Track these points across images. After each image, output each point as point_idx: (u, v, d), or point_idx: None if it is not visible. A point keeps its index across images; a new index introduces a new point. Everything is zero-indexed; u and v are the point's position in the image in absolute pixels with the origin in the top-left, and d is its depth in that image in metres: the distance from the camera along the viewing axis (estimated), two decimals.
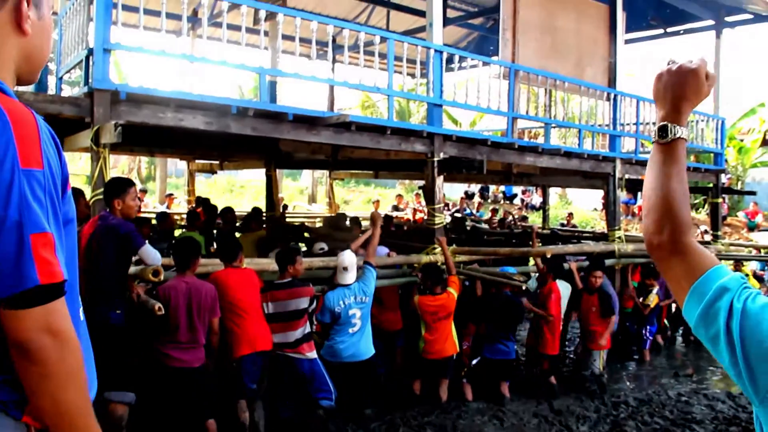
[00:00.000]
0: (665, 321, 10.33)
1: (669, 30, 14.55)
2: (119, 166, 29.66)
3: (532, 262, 9.35)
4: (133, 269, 5.29)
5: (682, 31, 14.54)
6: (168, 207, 16.91)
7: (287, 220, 13.66)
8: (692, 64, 1.43)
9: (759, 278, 13.63)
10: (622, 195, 15.27)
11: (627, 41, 13.46)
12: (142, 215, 10.63)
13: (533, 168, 10.72)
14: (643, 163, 11.56)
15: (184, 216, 12.71)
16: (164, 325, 5.27)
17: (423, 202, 15.95)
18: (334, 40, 7.93)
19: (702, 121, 12.88)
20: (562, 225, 17.95)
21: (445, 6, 11.79)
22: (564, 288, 8.52)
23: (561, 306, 8.23)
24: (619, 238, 10.60)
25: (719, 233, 13.39)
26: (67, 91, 8.07)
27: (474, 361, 7.74)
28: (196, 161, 14.55)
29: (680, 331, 11.09)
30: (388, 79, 7.87)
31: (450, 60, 8.71)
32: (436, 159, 8.18)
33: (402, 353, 7.94)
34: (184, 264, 5.55)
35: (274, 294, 6.08)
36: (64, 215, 1.40)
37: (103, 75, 5.68)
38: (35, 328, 1.27)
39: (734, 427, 7.15)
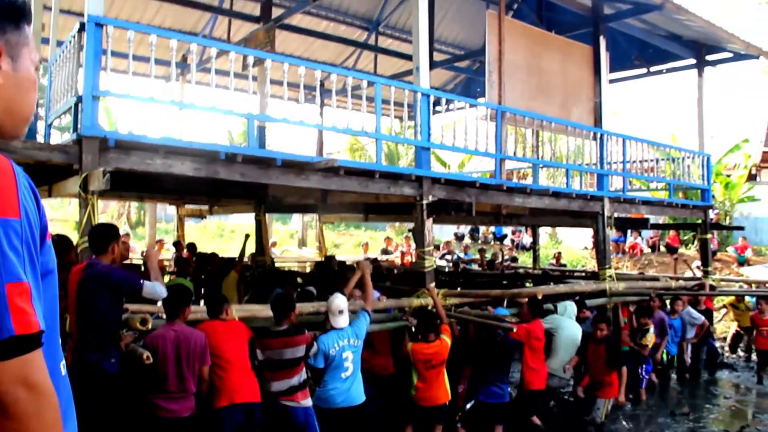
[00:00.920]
0: (662, 358, 10.24)
1: (652, 69, 14.79)
2: (108, 211, 29.56)
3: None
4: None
5: (665, 70, 14.78)
6: (159, 250, 16.80)
7: (277, 265, 13.59)
8: None
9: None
10: (612, 233, 15.33)
11: (611, 81, 13.68)
12: (131, 262, 10.57)
13: (522, 209, 10.75)
14: (631, 201, 11.63)
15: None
16: (153, 374, 5.18)
17: (413, 245, 15.95)
18: (322, 85, 8.00)
19: (688, 157, 13.01)
20: (551, 264, 17.95)
21: (432, 49, 11.95)
22: (575, 329, 8.50)
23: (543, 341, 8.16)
24: (610, 276, 10.60)
25: (710, 269, 13.42)
26: (56, 137, 8.08)
27: (468, 405, 7.64)
28: (186, 206, 14.53)
29: (674, 369, 11.01)
30: (376, 123, 7.91)
31: (437, 102, 8.80)
32: (425, 202, 8.19)
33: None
34: (174, 312, 5.47)
35: (269, 342, 5.94)
36: (44, 266, 1.36)
37: (92, 122, 5.69)
38: (10, 380, 1.21)
39: None
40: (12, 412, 1.22)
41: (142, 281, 4.97)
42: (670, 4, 10.02)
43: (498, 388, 7.51)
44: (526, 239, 22.61)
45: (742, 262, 18.42)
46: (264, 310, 6.51)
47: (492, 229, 24.98)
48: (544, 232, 23.63)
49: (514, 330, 7.52)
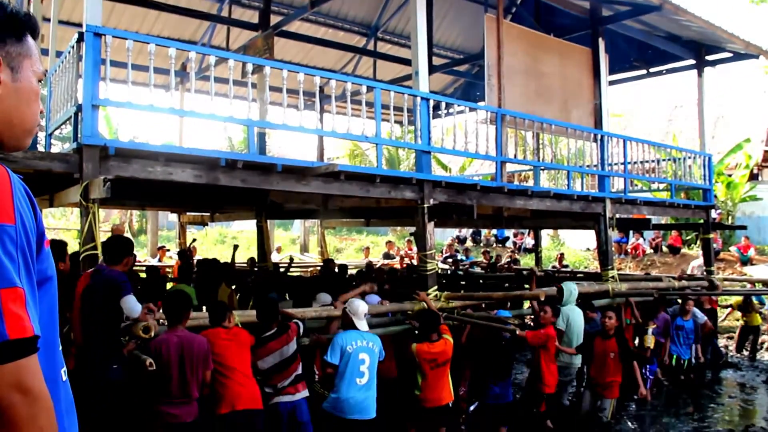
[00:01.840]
0: (666, 359, 10.17)
1: (652, 70, 14.79)
2: (110, 219, 29.61)
3: (527, 304, 9.27)
4: (123, 325, 5.24)
5: (664, 71, 14.79)
6: (160, 260, 16.88)
7: (281, 270, 13.59)
8: None
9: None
10: (614, 234, 15.32)
11: (611, 82, 13.68)
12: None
13: (524, 211, 10.75)
14: (633, 202, 11.63)
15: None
16: (156, 380, 5.19)
17: (414, 249, 15.95)
18: (321, 91, 8.01)
19: (689, 158, 13.00)
20: (554, 267, 17.93)
21: (431, 54, 11.97)
22: (580, 314, 8.56)
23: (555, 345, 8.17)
24: (613, 277, 10.59)
25: (713, 268, 13.40)
26: (57, 147, 8.10)
27: (472, 407, 7.62)
28: (187, 213, 14.56)
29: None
30: (376, 128, 7.92)
31: (437, 107, 8.81)
32: (426, 205, 8.19)
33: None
34: (176, 318, 5.49)
35: (267, 348, 6.01)
36: (41, 273, 1.37)
37: (92, 131, 5.71)
38: (4, 385, 1.21)
39: None
40: (6, 416, 1.22)
41: (130, 293, 4.97)
42: (669, 4, 10.02)
43: (502, 390, 7.50)
44: (528, 242, 22.59)
45: (746, 262, 18.40)
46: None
47: (494, 231, 24.96)
48: (546, 234, 23.61)
49: (518, 332, 7.53)
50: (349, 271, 13.18)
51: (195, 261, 12.50)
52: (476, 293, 9.42)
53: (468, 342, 7.88)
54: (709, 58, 13.65)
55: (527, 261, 20.60)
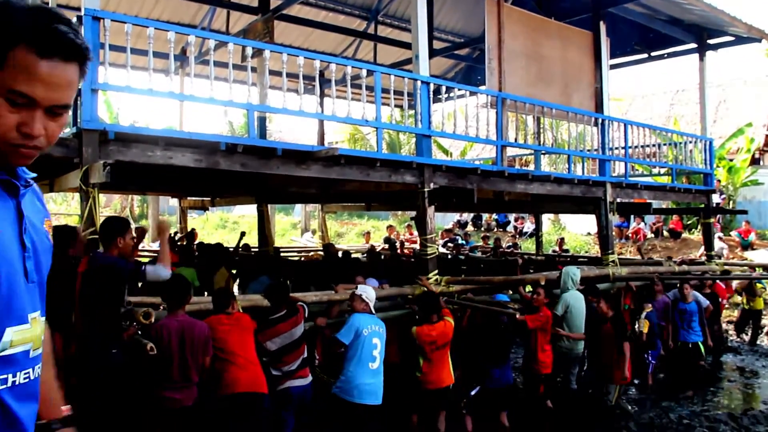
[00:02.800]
0: (671, 343, 10.15)
1: (653, 54, 14.72)
2: (112, 205, 29.63)
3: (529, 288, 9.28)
4: (124, 310, 5.25)
5: (666, 55, 14.70)
6: None
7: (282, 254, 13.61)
8: None
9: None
10: (615, 218, 15.33)
11: (612, 66, 13.62)
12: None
13: (524, 195, 10.74)
14: (633, 186, 11.62)
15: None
16: (157, 364, 5.21)
17: (415, 233, 15.96)
18: (321, 75, 7.98)
19: (690, 142, 12.97)
20: (554, 251, 17.92)
21: (431, 38, 11.92)
22: (581, 298, 8.55)
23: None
24: (613, 261, 10.60)
25: (713, 253, 13.40)
26: None
27: (473, 392, 7.65)
28: (188, 198, 14.56)
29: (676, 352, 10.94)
30: (376, 112, 7.91)
31: (437, 91, 8.78)
32: (426, 189, 8.19)
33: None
34: (176, 302, 5.50)
35: (276, 330, 6.06)
36: None
37: (92, 115, 5.70)
38: None
39: None
40: None
41: (144, 267, 5.00)
42: None
43: (502, 373, 7.53)
44: (529, 226, 22.59)
45: (746, 246, 18.39)
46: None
47: (495, 216, 24.96)
48: (546, 218, 23.59)
49: (518, 316, 7.56)
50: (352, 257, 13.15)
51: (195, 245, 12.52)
52: (477, 277, 9.43)
53: (468, 326, 7.91)
54: (711, 42, 13.57)
55: (528, 245, 20.62)
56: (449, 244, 19.36)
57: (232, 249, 11.02)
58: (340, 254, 12.37)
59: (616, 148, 11.64)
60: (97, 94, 5.83)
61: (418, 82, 8.17)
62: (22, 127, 1.32)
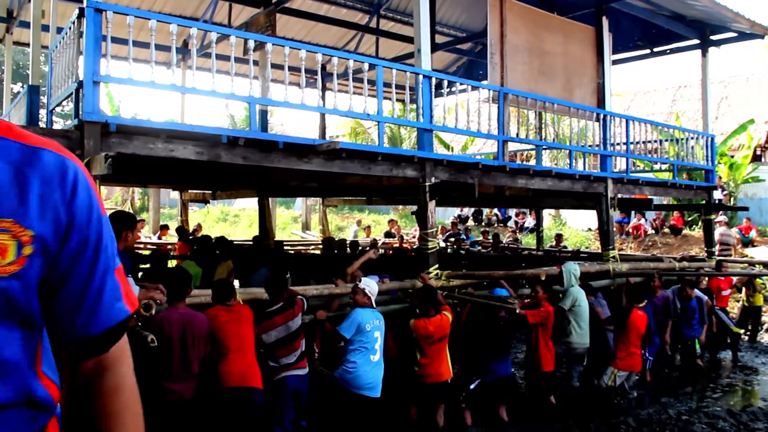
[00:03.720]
0: (667, 338, 10.15)
1: (656, 50, 14.68)
2: (113, 197, 29.66)
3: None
4: None
5: (668, 51, 14.67)
6: (160, 238, 16.94)
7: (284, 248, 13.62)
8: None
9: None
10: (616, 214, 15.32)
11: (614, 62, 13.60)
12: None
13: (525, 190, 10.74)
14: (634, 182, 11.61)
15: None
16: (157, 356, 5.22)
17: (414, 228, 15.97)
18: (323, 68, 7.97)
19: (692, 138, 12.96)
20: (551, 246, 17.91)
21: (433, 32, 11.90)
22: (584, 295, 8.56)
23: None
24: (614, 257, 10.60)
25: (713, 250, 13.40)
26: (59, 124, 8.08)
27: (473, 385, 7.67)
28: (189, 191, 14.57)
29: (678, 349, 10.94)
30: (378, 106, 7.91)
31: (439, 85, 8.77)
32: (427, 184, 8.19)
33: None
34: (177, 295, 5.52)
35: (272, 322, 6.09)
36: None
37: (93, 107, 5.70)
38: (123, 356, 1.37)
39: None
40: (125, 385, 1.38)
41: (128, 276, 4.97)
42: None
43: (501, 367, 7.55)
44: (530, 221, 22.59)
45: (747, 243, 18.39)
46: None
47: (495, 211, 24.97)
48: (547, 214, 23.59)
49: (519, 311, 7.57)
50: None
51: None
52: (477, 272, 9.44)
53: (468, 320, 7.91)
54: (714, 38, 13.54)
55: (528, 240, 20.62)
56: (450, 239, 19.39)
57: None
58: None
59: (618, 144, 11.63)
60: (99, 87, 5.82)
61: (420, 77, 8.17)
62: None
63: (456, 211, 25.35)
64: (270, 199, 14.63)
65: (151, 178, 12.44)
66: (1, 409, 1.18)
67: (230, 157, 6.64)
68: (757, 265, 13.56)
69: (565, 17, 11.41)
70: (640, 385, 9.39)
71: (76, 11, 5.89)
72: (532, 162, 11.44)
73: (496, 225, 24.35)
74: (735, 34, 13.32)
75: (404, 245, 17.84)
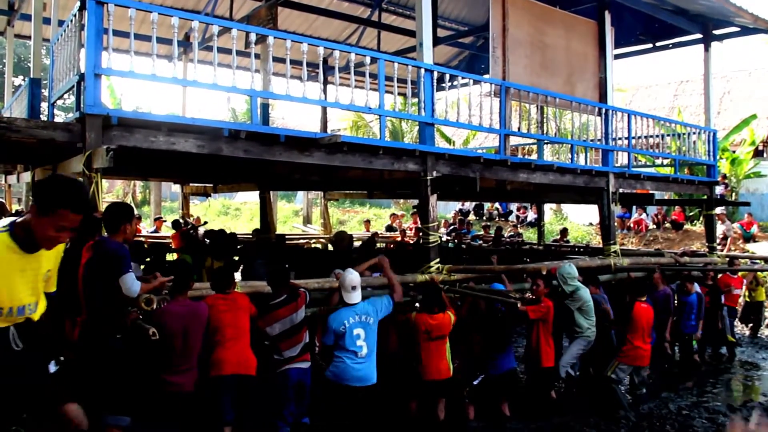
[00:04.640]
0: (667, 335, 10.13)
1: (658, 44, 14.65)
2: (114, 190, 29.67)
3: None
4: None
5: (670, 45, 14.63)
6: (157, 230, 16.94)
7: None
8: None
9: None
10: (617, 209, 15.32)
11: (617, 56, 13.56)
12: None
13: (527, 185, 10.72)
14: (636, 177, 11.60)
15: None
16: (159, 349, 5.23)
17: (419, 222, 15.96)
18: (325, 62, 7.96)
19: (694, 133, 12.93)
20: (555, 241, 17.92)
21: (435, 26, 11.86)
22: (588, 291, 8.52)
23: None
24: (615, 252, 10.59)
25: (715, 245, 13.39)
26: (61, 117, 8.08)
27: (476, 381, 7.66)
28: (190, 184, 14.57)
29: (677, 345, 10.92)
30: (380, 99, 7.89)
31: (441, 79, 8.75)
32: (429, 178, 8.19)
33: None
34: (180, 287, 5.53)
35: (276, 315, 6.09)
36: None
37: (95, 100, 5.69)
38: None
39: None
40: None
41: (129, 271, 4.93)
42: None
43: (503, 361, 7.55)
44: (531, 216, 22.58)
45: (748, 238, 18.38)
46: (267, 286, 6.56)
47: (497, 205, 24.96)
48: (548, 208, 23.58)
49: (519, 306, 7.55)
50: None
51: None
52: (478, 266, 9.43)
53: (469, 315, 7.90)
54: (717, 32, 13.48)
55: (529, 235, 20.61)
56: (452, 233, 19.41)
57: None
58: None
59: (620, 139, 11.62)
60: (101, 79, 5.81)
61: (422, 70, 8.15)
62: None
63: (457, 206, 25.34)
64: (271, 192, 14.62)
65: (153, 172, 12.44)
66: None
67: (231, 151, 6.63)
68: (759, 261, 13.57)
69: (567, 11, 11.38)
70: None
71: (78, 4, 5.89)
72: (534, 156, 11.42)
73: (497, 219, 24.35)
74: (738, 29, 13.27)
75: (405, 239, 17.85)
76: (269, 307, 6.13)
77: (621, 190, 11.21)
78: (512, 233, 20.05)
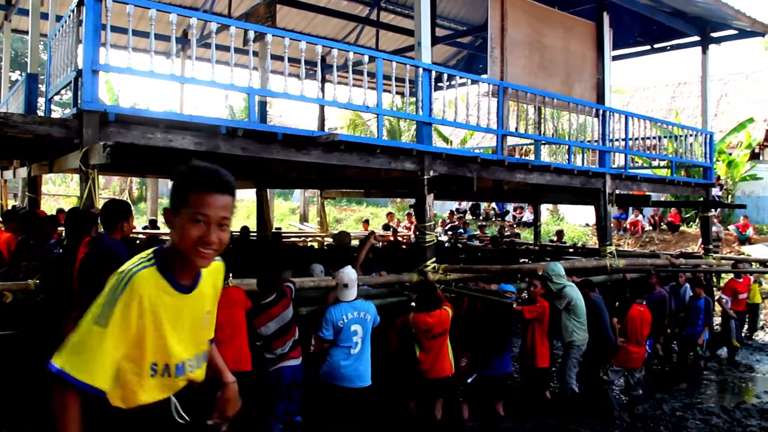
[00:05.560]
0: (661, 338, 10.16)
1: (656, 46, 14.66)
2: (111, 186, 29.62)
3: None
4: None
5: (668, 47, 14.64)
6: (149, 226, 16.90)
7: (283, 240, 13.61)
8: None
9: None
10: (613, 210, 15.34)
11: (615, 58, 13.58)
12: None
13: (524, 185, 10.73)
14: (633, 178, 11.62)
15: None
16: None
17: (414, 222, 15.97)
18: (323, 60, 7.95)
19: (691, 135, 12.96)
20: (551, 241, 17.94)
21: (434, 25, 11.87)
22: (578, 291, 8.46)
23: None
24: (611, 253, 10.61)
25: (711, 247, 13.42)
26: (58, 113, 8.07)
27: (470, 379, 7.68)
28: None
29: (675, 346, 10.96)
30: (377, 98, 7.89)
31: (439, 78, 8.75)
32: (426, 177, 8.19)
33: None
34: None
35: (268, 315, 6.08)
36: None
37: (92, 96, 5.68)
38: None
39: None
40: None
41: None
42: None
43: (500, 362, 7.56)
44: (528, 216, 22.60)
45: (744, 241, 18.44)
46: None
47: (493, 205, 24.98)
48: (545, 209, 23.62)
49: (515, 306, 7.57)
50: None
51: None
52: (474, 266, 9.44)
53: (468, 315, 7.90)
54: (714, 35, 13.50)
55: (526, 235, 20.64)
56: (449, 232, 19.41)
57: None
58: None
59: (617, 140, 11.63)
60: (98, 75, 5.81)
61: (420, 70, 8.16)
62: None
63: (454, 205, 25.36)
64: (268, 190, 14.61)
65: (150, 168, 12.41)
66: None
67: (229, 148, 6.62)
68: (754, 263, 13.60)
69: (565, 12, 11.39)
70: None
71: (75, 1, 5.88)
72: (531, 157, 11.42)
73: (494, 219, 24.36)
74: (735, 32, 13.30)
75: (398, 237, 17.86)
76: (261, 307, 6.12)
77: (617, 192, 11.23)
78: (509, 233, 20.07)
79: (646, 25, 13.60)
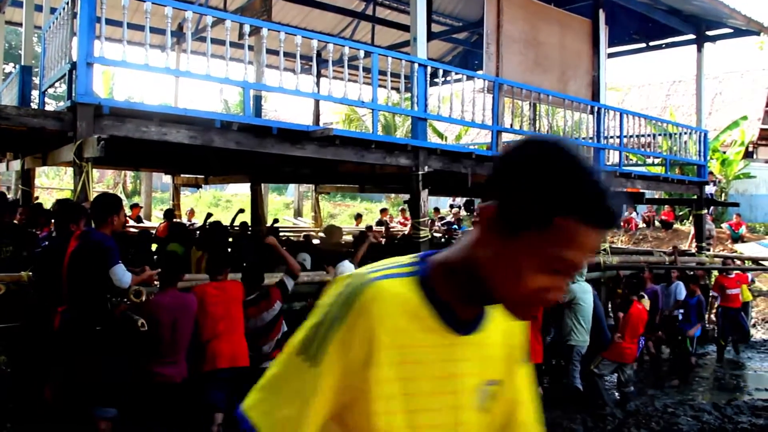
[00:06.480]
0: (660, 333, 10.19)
1: (651, 44, 14.67)
2: (105, 180, 29.54)
3: None
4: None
5: (664, 45, 14.66)
6: (132, 218, 16.74)
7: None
8: None
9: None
10: None
11: (610, 55, 13.59)
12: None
13: None
14: (627, 176, 11.64)
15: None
16: (148, 340, 5.22)
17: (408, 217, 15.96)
18: (318, 55, 7.94)
19: (685, 133, 12.99)
20: None
21: (430, 21, 11.86)
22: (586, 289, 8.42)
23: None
24: (604, 250, 10.63)
25: (704, 244, 13.46)
26: (51, 106, 8.04)
27: None
28: (182, 175, 14.51)
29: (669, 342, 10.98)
30: (373, 93, 7.89)
31: (435, 74, 8.74)
32: (420, 173, 8.19)
33: None
34: (169, 279, 5.50)
35: (247, 312, 6.00)
36: None
37: (87, 89, 5.67)
38: None
39: None
40: None
41: (118, 263, 4.92)
42: None
43: None
44: None
45: (737, 239, 18.49)
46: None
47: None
48: None
49: None
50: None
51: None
52: None
53: None
54: (710, 33, 13.51)
55: None
56: (443, 228, 19.41)
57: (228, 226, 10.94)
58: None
59: (612, 137, 11.65)
60: (93, 68, 5.79)
61: (416, 65, 8.15)
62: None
63: (448, 201, 25.37)
64: (262, 184, 14.59)
65: (144, 162, 12.39)
66: None
67: (223, 142, 6.61)
68: (746, 261, 13.65)
69: (562, 9, 11.39)
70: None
71: None
72: None
73: None
74: (731, 30, 13.32)
75: (390, 233, 17.84)
76: (243, 303, 6.06)
77: (612, 189, 11.23)
78: None
79: (641, 23, 13.60)
